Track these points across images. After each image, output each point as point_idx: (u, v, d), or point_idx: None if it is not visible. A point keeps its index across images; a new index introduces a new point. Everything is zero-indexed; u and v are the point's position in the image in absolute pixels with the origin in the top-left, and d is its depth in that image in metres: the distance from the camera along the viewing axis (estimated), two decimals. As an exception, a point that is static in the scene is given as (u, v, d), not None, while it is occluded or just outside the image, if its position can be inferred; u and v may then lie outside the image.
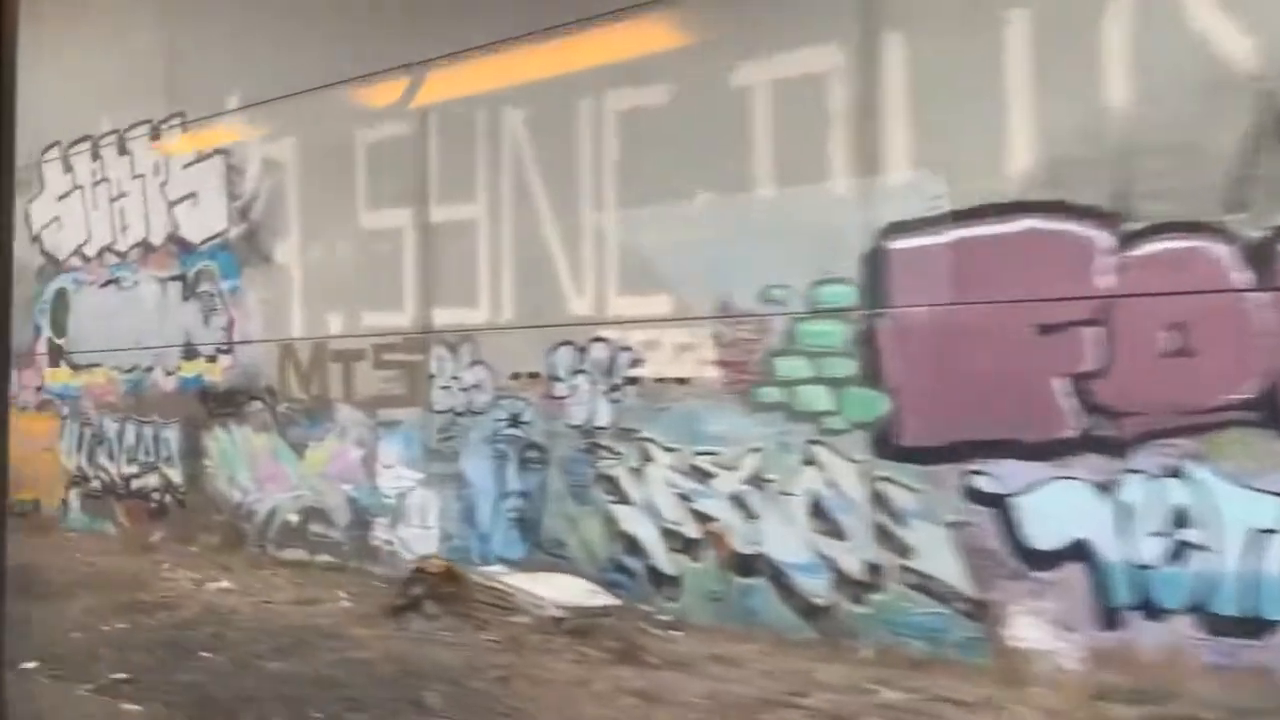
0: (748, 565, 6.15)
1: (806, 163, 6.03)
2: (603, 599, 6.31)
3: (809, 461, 5.93)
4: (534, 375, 7.20)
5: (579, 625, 5.95)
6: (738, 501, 6.20)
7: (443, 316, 7.78)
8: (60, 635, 6.03)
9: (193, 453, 9.51)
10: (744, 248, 6.25)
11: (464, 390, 7.59)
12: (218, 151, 9.41)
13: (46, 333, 11.24)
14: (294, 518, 8.64)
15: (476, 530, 7.49)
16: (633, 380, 6.70)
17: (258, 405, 8.98)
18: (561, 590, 6.36)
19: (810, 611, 5.91)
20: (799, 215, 6.04)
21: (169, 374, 9.78)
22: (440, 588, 6.43)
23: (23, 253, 11.50)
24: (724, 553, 6.22)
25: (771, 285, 6.09)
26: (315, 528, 8.49)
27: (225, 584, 7.40)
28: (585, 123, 6.97)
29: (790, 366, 6.02)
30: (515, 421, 7.28)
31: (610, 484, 6.77)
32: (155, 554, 8.72)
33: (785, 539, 6.01)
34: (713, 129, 6.38)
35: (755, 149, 6.21)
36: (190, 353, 9.60)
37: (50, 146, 11.23)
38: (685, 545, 6.41)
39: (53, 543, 9.68)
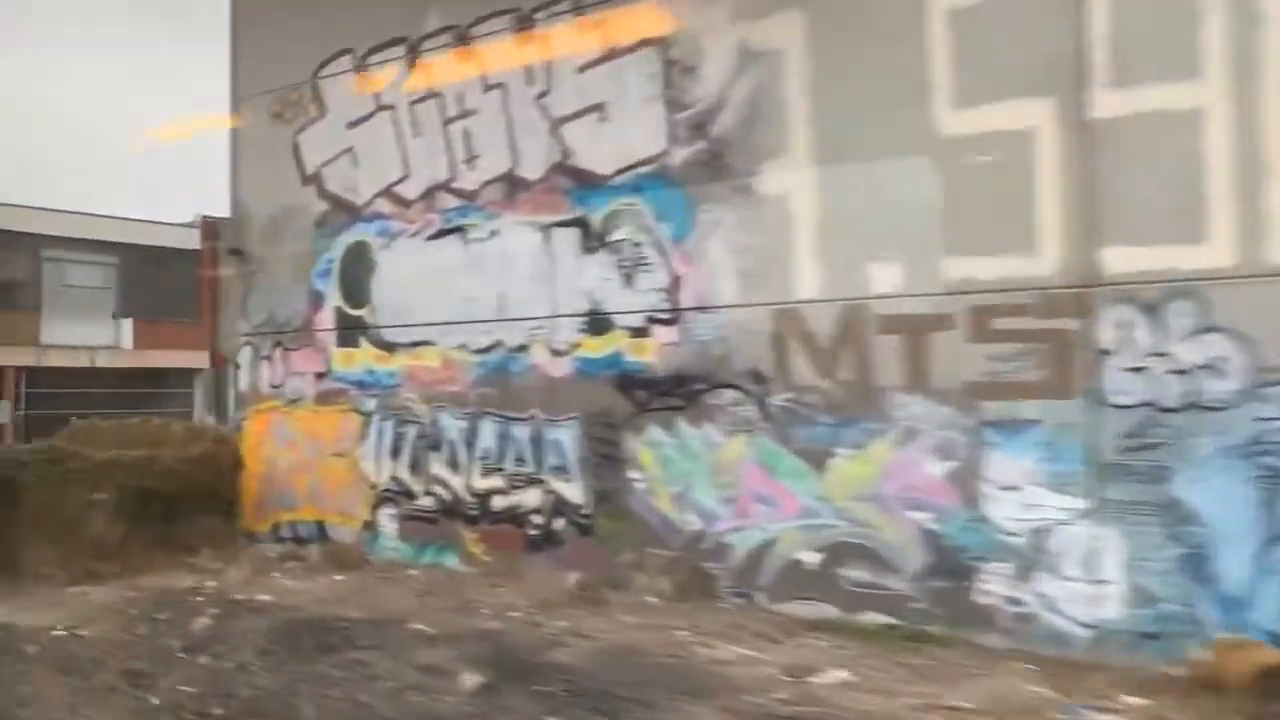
0: None
1: None
2: None
3: None
4: (1351, 348, 4.54)
5: None
6: None
7: (1123, 260, 5.10)
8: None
9: (606, 461, 6.85)
10: None
11: (1180, 373, 4.91)
12: (645, 43, 6.74)
13: (334, 301, 8.59)
14: (809, 557, 5.99)
15: (1213, 590, 4.82)
16: None
17: (730, 396, 6.32)
18: None
19: None
20: None
21: (558, 354, 7.13)
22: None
23: (289, 197, 8.91)
24: None
25: None
26: (852, 573, 5.83)
27: (841, 674, 4.74)
28: None
29: None
30: (1304, 422, 4.63)
31: None
32: (605, 608, 6.08)
33: None
34: None
35: None
36: (599, 324, 6.93)
37: (334, 57, 8.58)
38: None
39: (395, 583, 7.11)
